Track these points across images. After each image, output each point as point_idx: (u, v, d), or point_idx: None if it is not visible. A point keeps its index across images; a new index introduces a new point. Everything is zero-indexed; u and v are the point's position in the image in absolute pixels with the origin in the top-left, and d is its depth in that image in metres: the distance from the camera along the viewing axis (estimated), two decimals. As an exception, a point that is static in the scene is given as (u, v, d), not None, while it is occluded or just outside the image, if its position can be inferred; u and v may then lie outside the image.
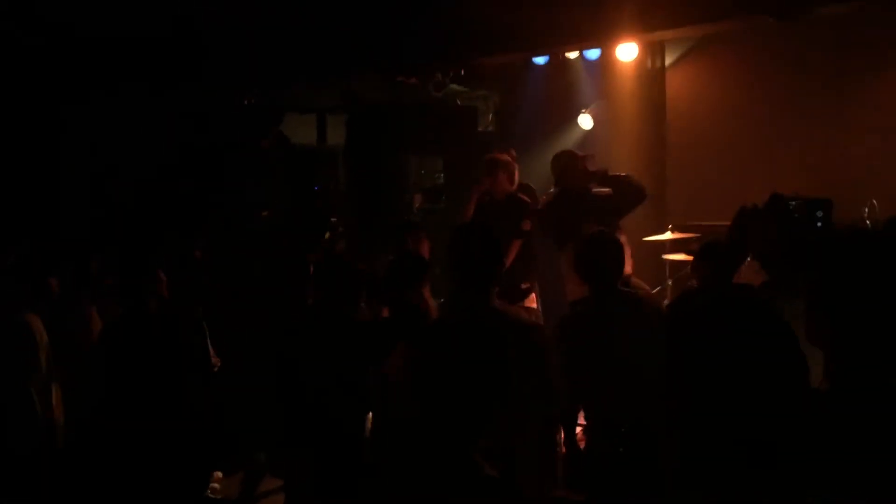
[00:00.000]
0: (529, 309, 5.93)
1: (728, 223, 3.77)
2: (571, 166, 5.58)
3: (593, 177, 5.57)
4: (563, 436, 4.96)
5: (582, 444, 5.42)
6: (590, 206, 5.45)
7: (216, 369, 4.70)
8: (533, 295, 6.09)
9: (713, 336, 2.83)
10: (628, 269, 4.80)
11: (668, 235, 6.73)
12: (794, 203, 2.89)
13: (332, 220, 7.75)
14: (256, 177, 7.54)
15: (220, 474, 5.51)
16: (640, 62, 7.66)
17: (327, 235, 6.32)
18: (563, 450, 5.20)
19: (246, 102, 7.64)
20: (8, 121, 6.51)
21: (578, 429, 5.50)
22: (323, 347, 3.57)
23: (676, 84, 8.05)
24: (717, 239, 3.61)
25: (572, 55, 7.44)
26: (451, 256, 2.89)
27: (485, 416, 2.65)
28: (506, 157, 6.09)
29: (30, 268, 4.45)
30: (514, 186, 6.08)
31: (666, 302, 6.03)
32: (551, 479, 2.97)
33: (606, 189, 5.55)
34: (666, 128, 8.06)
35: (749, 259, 6.29)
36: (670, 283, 6.87)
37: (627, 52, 7.04)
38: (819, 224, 2.87)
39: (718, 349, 2.74)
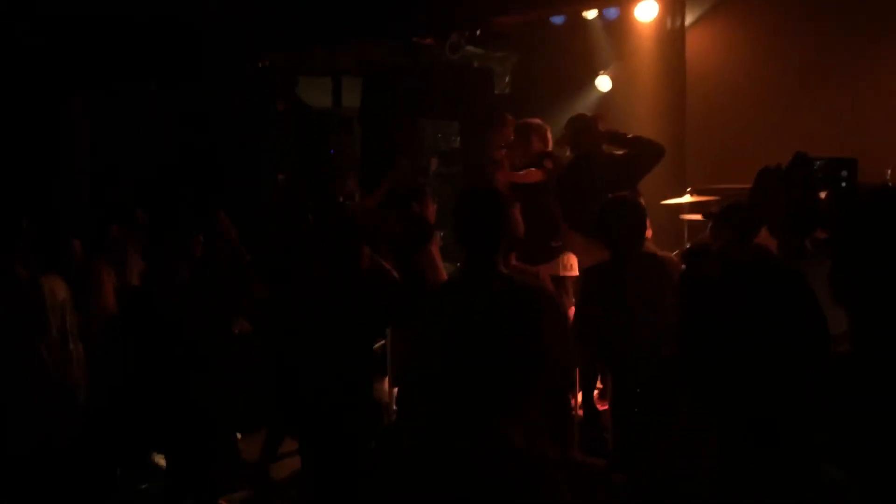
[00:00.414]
0: (560, 278, 5.55)
1: (748, 186, 3.70)
2: (585, 129, 5.48)
3: (605, 137, 5.47)
4: (581, 399, 4.95)
5: (599, 408, 5.44)
6: (605, 175, 5.35)
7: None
8: (570, 260, 5.70)
9: (732, 302, 2.78)
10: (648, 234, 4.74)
11: (686, 199, 6.65)
12: (818, 163, 2.82)
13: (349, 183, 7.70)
14: (271, 140, 7.50)
15: (238, 435, 5.55)
16: (659, 22, 7.51)
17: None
18: (581, 413, 5.22)
19: (260, 65, 7.59)
20: (8, 121, 6.47)
21: (595, 392, 5.52)
22: (335, 300, 3.56)
23: (697, 44, 7.90)
24: (737, 202, 3.55)
25: (590, 15, 7.31)
26: (456, 221, 2.85)
27: (489, 382, 2.62)
28: (537, 121, 5.95)
29: (49, 229, 4.47)
30: (550, 147, 5.86)
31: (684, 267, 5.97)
32: (569, 443, 2.95)
33: (619, 150, 5.45)
34: (686, 89, 7.93)
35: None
36: (689, 246, 6.80)
37: (647, 11, 6.91)
38: (843, 184, 2.80)
39: (738, 315, 2.68)
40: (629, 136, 5.39)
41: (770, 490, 1.39)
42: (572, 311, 4.97)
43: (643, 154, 5.27)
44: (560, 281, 5.60)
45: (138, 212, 4.94)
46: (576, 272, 5.67)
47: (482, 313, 2.71)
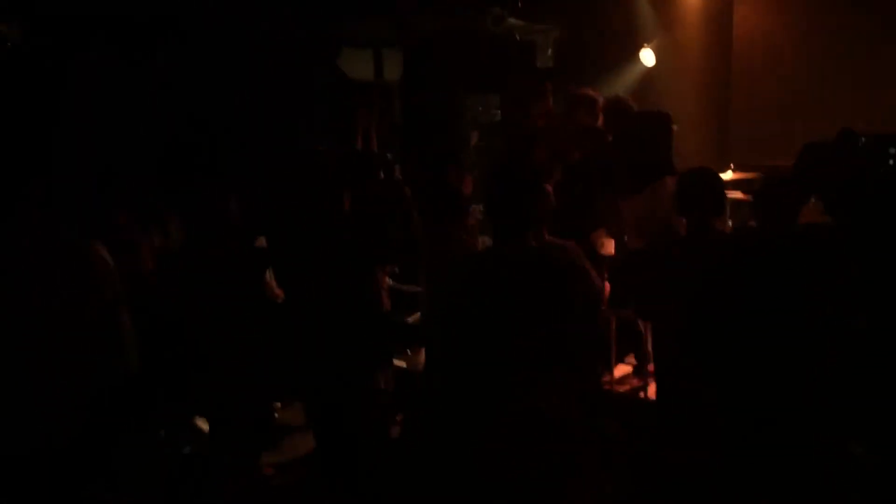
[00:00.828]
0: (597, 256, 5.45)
1: (792, 163, 3.63)
2: (618, 112, 5.40)
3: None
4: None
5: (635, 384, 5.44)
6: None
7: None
8: (603, 239, 5.52)
9: (769, 278, 2.76)
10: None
11: (729, 175, 6.55)
12: (864, 139, 2.75)
13: (388, 156, 7.71)
14: (312, 111, 7.52)
15: (278, 404, 5.64)
16: (706, -6, 7.40)
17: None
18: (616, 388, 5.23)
19: (301, 35, 7.58)
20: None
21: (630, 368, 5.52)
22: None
23: (744, 16, 7.74)
24: (779, 178, 3.50)
25: (635, -13, 7.21)
26: (488, 196, 2.85)
27: (518, 350, 2.64)
28: (587, 93, 5.85)
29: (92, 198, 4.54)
30: (599, 122, 5.71)
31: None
32: (598, 413, 2.96)
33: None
34: (731, 63, 7.78)
35: (813, 200, 6.09)
36: (730, 223, 6.71)
37: (693, -17, 6.78)
38: (892, 161, 2.73)
39: (773, 291, 2.66)
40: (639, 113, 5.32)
41: (779, 467, 1.39)
42: (607, 287, 4.96)
43: (652, 129, 5.22)
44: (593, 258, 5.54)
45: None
46: (610, 251, 5.63)
47: (510, 283, 2.72)
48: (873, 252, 1.85)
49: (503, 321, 2.75)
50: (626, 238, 5.44)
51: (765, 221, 3.28)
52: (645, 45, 7.72)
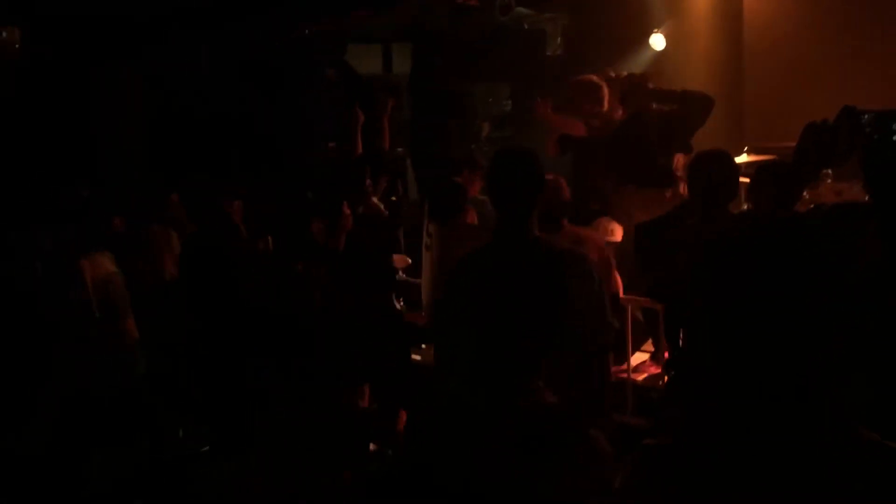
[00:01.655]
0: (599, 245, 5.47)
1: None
2: (633, 89, 5.34)
3: (654, 95, 5.33)
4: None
5: (652, 371, 5.38)
6: (659, 132, 5.24)
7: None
8: (611, 225, 5.51)
9: (783, 261, 2.70)
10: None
11: (744, 158, 6.46)
12: (866, 116, 2.68)
13: (398, 150, 7.69)
14: (322, 108, 7.52)
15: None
16: (715, -24, 7.29)
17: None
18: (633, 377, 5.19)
19: (308, 32, 7.58)
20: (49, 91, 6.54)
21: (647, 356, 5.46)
22: None
23: (755, -2, 7.63)
24: (777, 159, 3.44)
25: (643, -29, 7.12)
26: (489, 185, 2.82)
27: (514, 341, 2.61)
28: (588, 80, 5.77)
29: (95, 207, 4.55)
30: (605, 107, 5.63)
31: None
32: (604, 406, 2.92)
33: (671, 106, 5.33)
34: (743, 45, 7.67)
35: (829, 181, 5.95)
36: (745, 207, 6.62)
37: (701, -36, 6.68)
38: (895, 138, 2.66)
39: (787, 275, 2.59)
40: (677, 91, 5.27)
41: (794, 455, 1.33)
42: (615, 276, 4.92)
43: (692, 108, 5.17)
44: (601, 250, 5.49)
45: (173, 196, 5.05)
46: (617, 238, 5.57)
47: (506, 275, 2.69)
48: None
49: (504, 316, 2.72)
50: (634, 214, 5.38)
51: (764, 204, 3.22)
52: (655, 29, 7.63)
